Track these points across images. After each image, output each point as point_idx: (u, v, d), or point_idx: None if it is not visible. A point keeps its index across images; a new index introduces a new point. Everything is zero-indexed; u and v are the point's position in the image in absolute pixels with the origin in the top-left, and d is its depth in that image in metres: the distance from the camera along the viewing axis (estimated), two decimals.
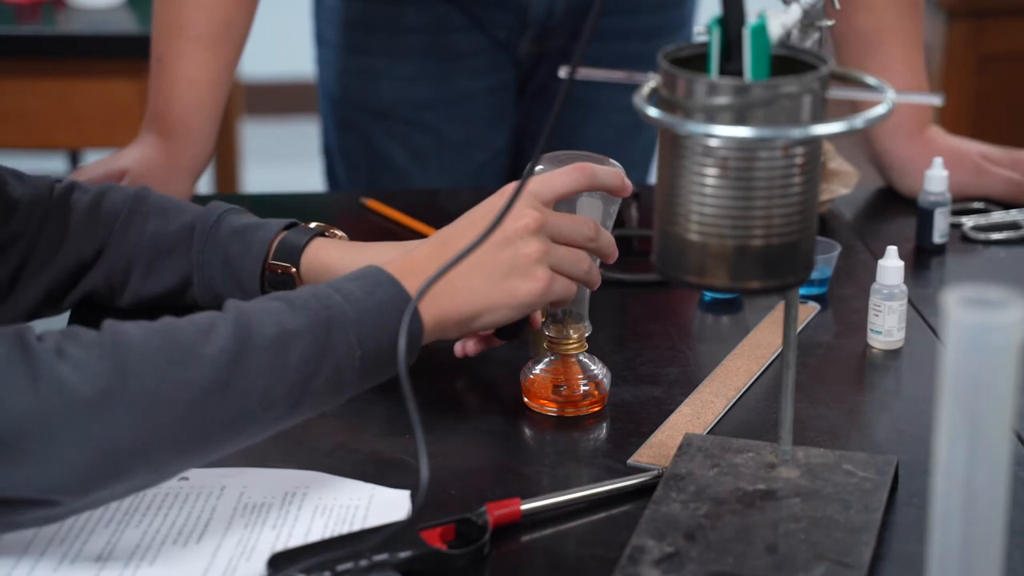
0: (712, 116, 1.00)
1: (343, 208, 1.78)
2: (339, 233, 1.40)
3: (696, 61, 1.03)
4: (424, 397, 1.21)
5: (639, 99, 1.04)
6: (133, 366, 1.03)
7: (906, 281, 1.40)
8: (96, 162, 1.63)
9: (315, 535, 1.10)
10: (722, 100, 0.99)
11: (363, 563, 1.03)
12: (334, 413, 1.18)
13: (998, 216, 1.70)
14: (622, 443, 1.24)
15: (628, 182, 1.27)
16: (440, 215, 1.46)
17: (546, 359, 1.29)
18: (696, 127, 1.00)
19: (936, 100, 1.17)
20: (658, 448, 1.23)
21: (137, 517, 1.13)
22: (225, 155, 3.18)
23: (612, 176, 1.26)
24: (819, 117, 1.01)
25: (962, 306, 0.76)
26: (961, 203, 1.71)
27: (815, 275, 1.48)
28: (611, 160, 1.28)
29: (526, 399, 1.30)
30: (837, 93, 1.07)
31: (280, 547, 1.09)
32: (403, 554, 1.05)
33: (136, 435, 1.02)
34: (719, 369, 1.36)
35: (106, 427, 1.02)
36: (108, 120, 2.55)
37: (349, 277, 1.16)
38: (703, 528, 1.09)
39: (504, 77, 1.96)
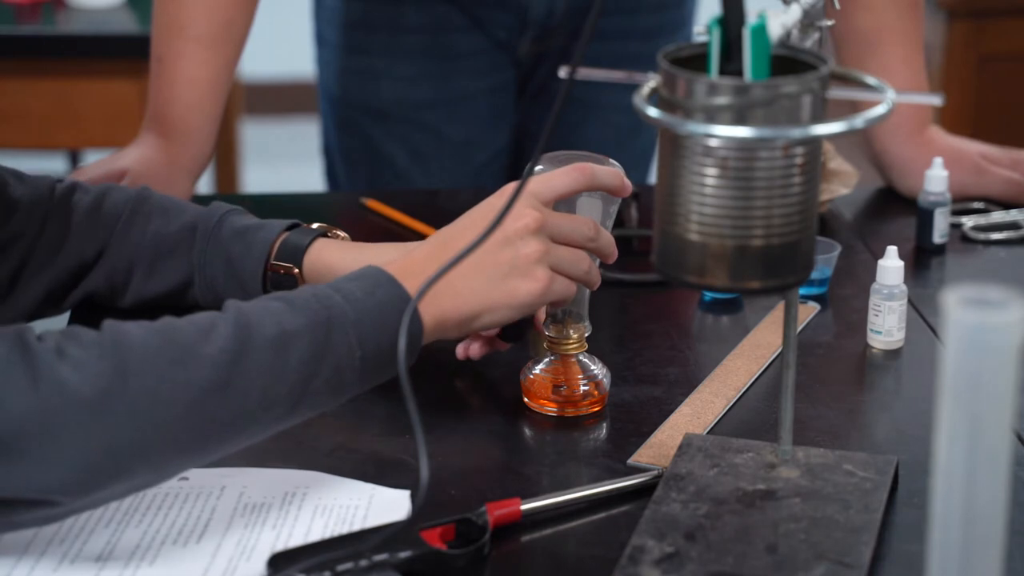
0: (712, 116, 1.00)
1: (343, 208, 1.78)
2: (342, 234, 1.40)
3: (696, 61, 1.03)
4: (424, 397, 1.21)
5: (639, 99, 1.04)
6: (133, 366, 1.03)
7: (906, 281, 1.40)
8: (96, 162, 1.63)
9: (315, 535, 1.10)
10: (722, 100, 0.99)
11: (363, 563, 1.03)
12: (334, 413, 1.18)
13: (998, 216, 1.70)
14: (622, 443, 1.24)
15: (628, 182, 1.26)
16: (440, 215, 1.45)
17: (546, 359, 1.29)
18: (696, 127, 1.00)
19: (936, 100, 1.17)
20: (658, 448, 1.23)
21: (137, 517, 1.13)
22: (225, 155, 3.17)
23: (612, 176, 1.25)
24: (819, 117, 1.01)
25: (962, 306, 0.76)
26: (961, 203, 1.71)
27: (815, 275, 1.48)
28: (611, 160, 1.28)
29: (526, 399, 1.30)
30: (837, 93, 1.07)
31: (280, 547, 1.09)
32: (403, 554, 1.05)
33: (136, 435, 1.02)
34: (719, 369, 1.36)
35: (106, 427, 1.01)
36: (108, 120, 2.55)
37: (349, 277, 1.16)
38: (703, 528, 1.09)
39: (504, 77, 1.96)
